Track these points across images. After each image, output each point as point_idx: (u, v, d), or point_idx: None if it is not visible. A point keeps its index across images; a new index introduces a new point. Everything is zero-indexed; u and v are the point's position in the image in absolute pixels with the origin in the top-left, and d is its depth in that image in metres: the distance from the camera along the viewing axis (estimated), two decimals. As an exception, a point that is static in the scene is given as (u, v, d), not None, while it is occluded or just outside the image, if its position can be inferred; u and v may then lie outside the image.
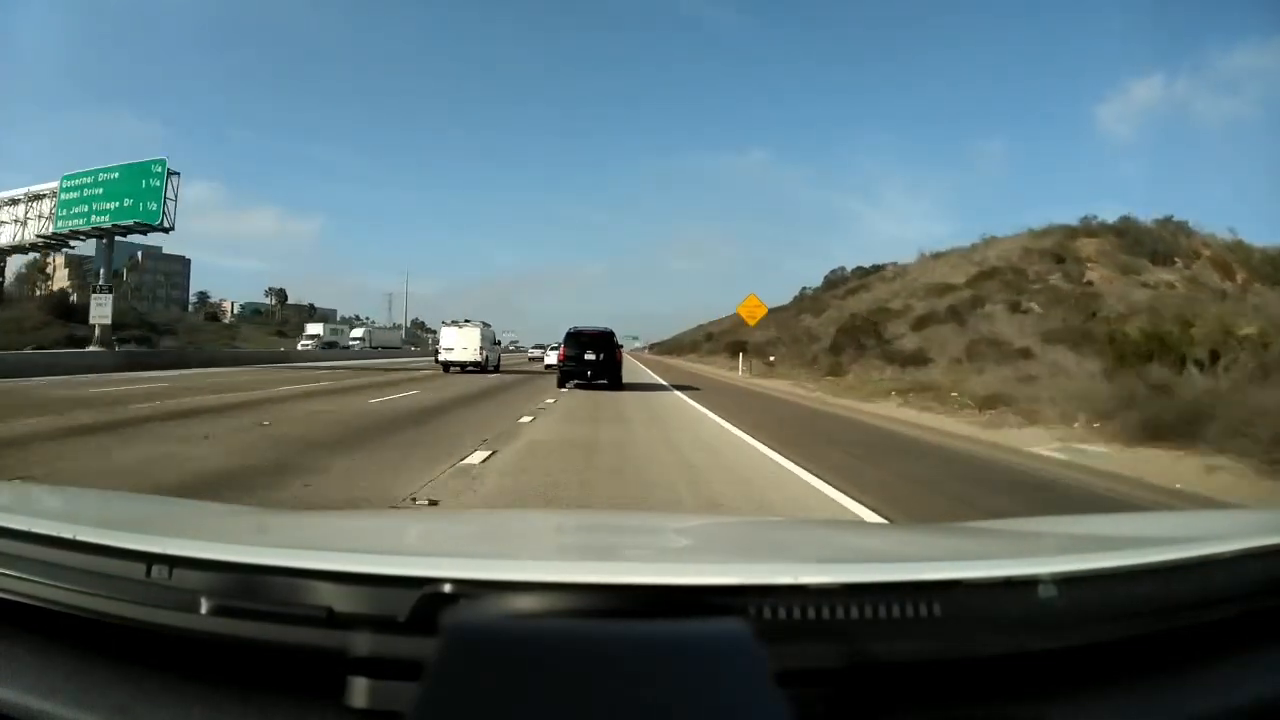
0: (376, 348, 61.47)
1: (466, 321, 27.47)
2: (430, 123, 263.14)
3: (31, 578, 0.93)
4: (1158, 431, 7.80)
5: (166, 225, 24.34)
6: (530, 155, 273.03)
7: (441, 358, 27.22)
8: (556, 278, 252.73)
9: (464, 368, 26.51)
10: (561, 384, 18.22)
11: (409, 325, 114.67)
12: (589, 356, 18.17)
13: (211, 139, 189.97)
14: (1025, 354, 18.80)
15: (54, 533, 0.97)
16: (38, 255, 42.68)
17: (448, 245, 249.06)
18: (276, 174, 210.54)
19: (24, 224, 26.25)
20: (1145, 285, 29.76)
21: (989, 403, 11.80)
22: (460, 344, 26.91)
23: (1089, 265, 33.25)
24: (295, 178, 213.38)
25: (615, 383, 18.27)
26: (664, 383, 21.99)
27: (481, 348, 27.23)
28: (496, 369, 28.72)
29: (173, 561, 0.89)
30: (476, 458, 6.61)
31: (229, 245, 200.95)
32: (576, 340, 18.65)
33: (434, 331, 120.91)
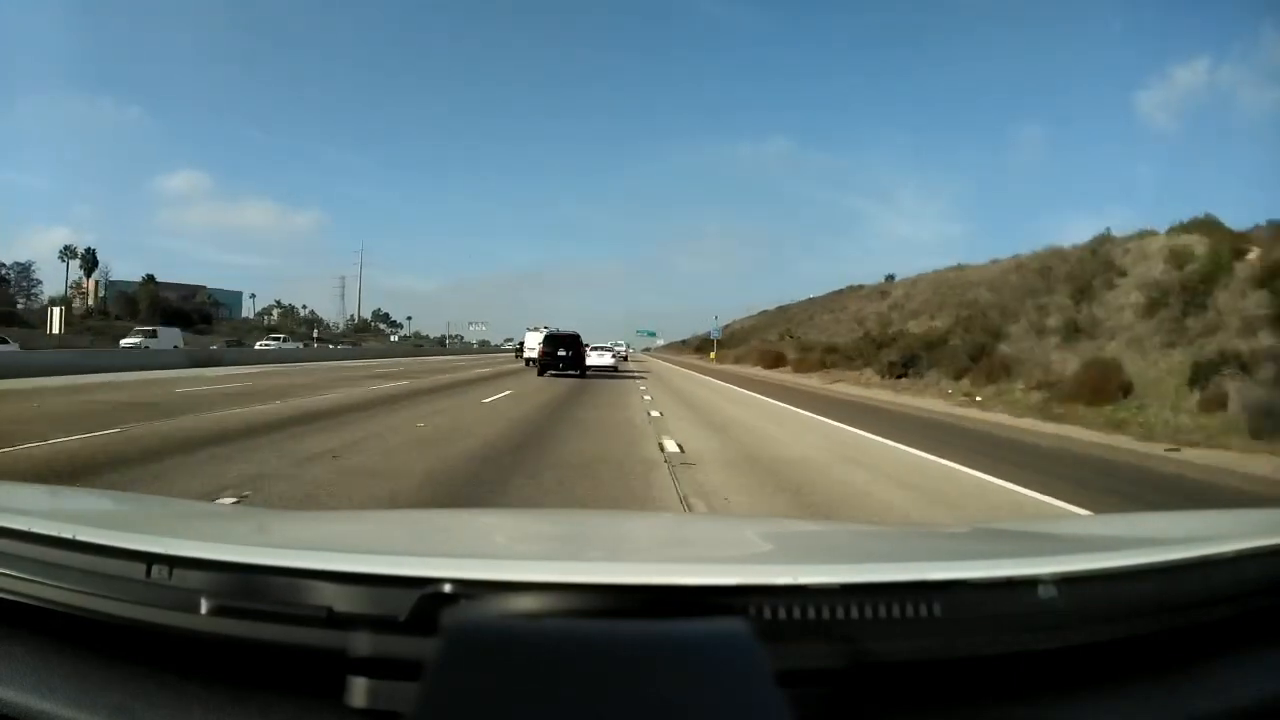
0: None
1: (545, 327, 34.44)
2: (429, 112, 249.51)
3: (31, 578, 0.93)
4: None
5: None
6: (538, 150, 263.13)
7: (525, 355, 34.65)
8: (567, 274, 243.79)
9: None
10: (541, 373, 23.46)
11: (369, 319, 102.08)
12: (561, 353, 24.13)
13: (201, 129, 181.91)
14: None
15: (54, 533, 0.96)
16: None
17: (452, 242, 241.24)
18: (269, 166, 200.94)
19: None
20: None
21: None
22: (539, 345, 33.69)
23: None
24: (288, 170, 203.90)
25: (582, 372, 24.28)
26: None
27: None
28: None
29: (173, 561, 0.89)
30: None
31: (216, 238, 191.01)
32: (553, 340, 25.12)
33: (399, 326, 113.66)
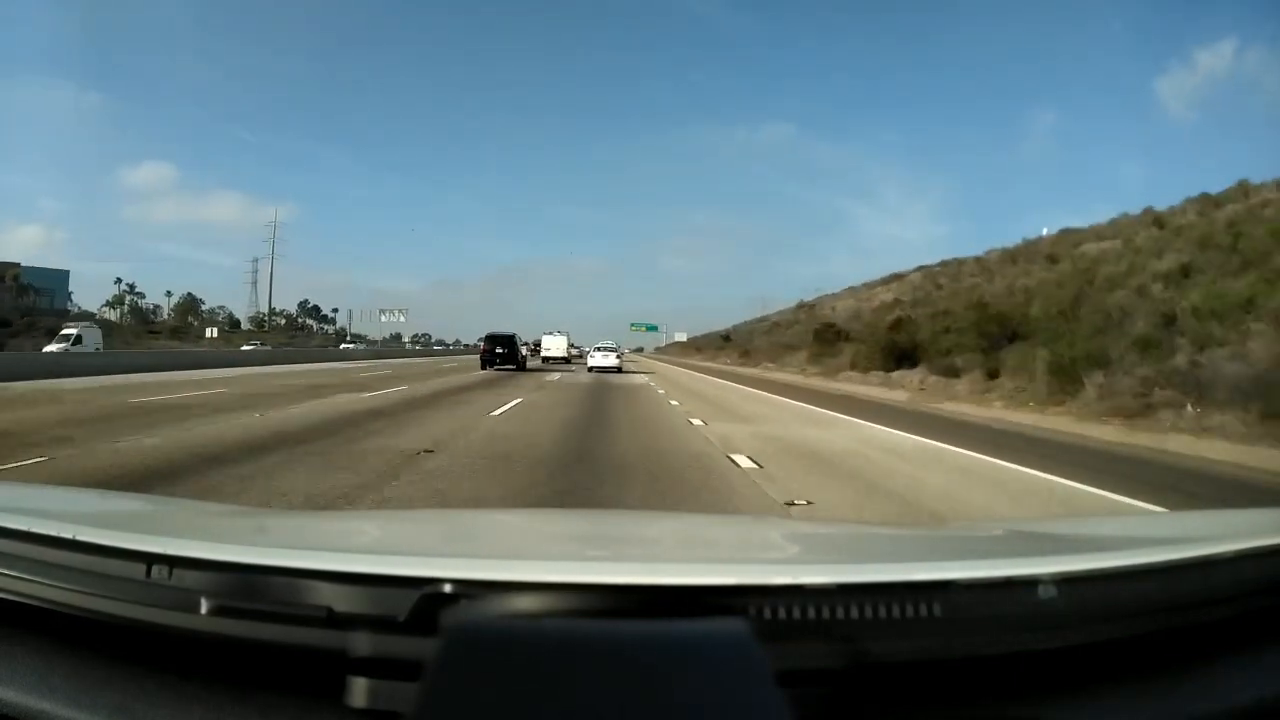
0: None
1: (560, 332, 44.92)
2: (413, 107, 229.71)
3: (31, 578, 0.93)
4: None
5: None
6: (522, 147, 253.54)
7: (543, 355, 42.58)
8: (550, 271, 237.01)
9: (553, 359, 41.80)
10: (484, 367, 28.26)
11: (296, 313, 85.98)
12: (499, 350, 29.45)
13: (171, 116, 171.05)
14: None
15: (54, 533, 0.96)
16: None
17: (436, 241, 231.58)
18: (239, 160, 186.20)
19: None
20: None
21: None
22: (555, 345, 43.10)
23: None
24: (259, 164, 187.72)
25: (520, 367, 29.38)
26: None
27: (568, 348, 43.67)
28: (570, 360, 43.00)
29: (173, 561, 0.89)
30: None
31: (185, 233, 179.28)
32: (492, 340, 30.20)
33: (330, 322, 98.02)
